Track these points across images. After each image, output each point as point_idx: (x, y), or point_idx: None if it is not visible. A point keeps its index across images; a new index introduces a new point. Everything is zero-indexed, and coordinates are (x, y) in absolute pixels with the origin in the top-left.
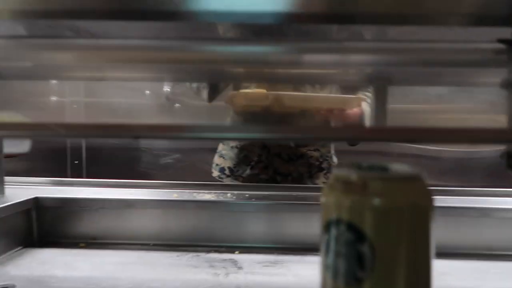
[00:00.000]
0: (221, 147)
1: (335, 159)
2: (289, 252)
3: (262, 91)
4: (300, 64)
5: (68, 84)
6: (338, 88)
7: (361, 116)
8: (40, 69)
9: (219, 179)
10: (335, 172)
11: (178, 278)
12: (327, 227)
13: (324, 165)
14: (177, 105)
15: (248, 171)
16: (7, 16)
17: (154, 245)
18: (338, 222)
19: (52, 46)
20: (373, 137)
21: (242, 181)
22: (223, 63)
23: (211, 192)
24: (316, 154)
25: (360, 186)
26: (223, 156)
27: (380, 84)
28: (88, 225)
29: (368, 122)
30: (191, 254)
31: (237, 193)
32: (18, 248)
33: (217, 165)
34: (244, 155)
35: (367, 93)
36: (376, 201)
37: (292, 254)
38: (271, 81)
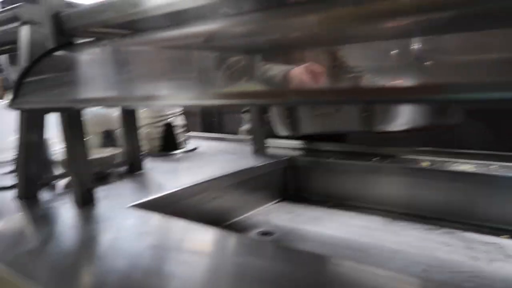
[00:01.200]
0: None
1: None
2: None
3: None
4: None
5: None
6: None
7: None
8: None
9: None
10: None
11: (426, 255)
12: None
13: None
14: (426, 63)
15: None
16: None
17: (401, 213)
18: None
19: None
20: None
21: None
22: None
23: (470, 162)
24: None
25: None
26: None
27: None
28: (335, 186)
29: None
30: (443, 230)
31: (506, 165)
32: (277, 200)
33: None
34: None
35: None
36: None
37: None
38: None
